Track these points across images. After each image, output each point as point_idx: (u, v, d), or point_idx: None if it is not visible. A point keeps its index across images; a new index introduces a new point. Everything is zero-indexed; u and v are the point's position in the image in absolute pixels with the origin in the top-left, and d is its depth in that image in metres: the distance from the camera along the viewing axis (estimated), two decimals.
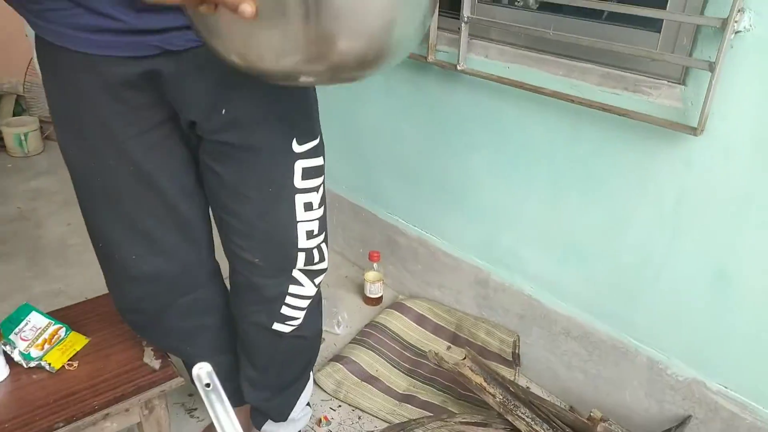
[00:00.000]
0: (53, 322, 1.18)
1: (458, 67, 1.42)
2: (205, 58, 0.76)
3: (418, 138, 1.65)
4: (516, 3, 1.40)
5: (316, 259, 1.04)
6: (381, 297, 1.86)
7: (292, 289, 1.06)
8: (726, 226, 1.11)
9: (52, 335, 1.17)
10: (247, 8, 0.50)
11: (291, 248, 1.01)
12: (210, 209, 1.04)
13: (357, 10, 0.55)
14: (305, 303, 1.09)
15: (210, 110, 0.85)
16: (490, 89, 1.40)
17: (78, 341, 1.19)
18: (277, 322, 1.08)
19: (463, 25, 1.38)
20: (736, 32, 0.97)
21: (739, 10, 0.95)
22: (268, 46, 0.57)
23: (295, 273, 1.04)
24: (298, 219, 0.98)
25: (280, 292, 1.05)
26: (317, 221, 1.01)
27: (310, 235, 1.01)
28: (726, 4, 0.97)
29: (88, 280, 1.93)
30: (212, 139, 0.89)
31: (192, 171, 0.97)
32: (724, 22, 0.96)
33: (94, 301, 1.34)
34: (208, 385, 0.64)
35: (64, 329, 1.19)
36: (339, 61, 0.58)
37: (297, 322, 1.10)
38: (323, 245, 1.06)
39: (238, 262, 1.04)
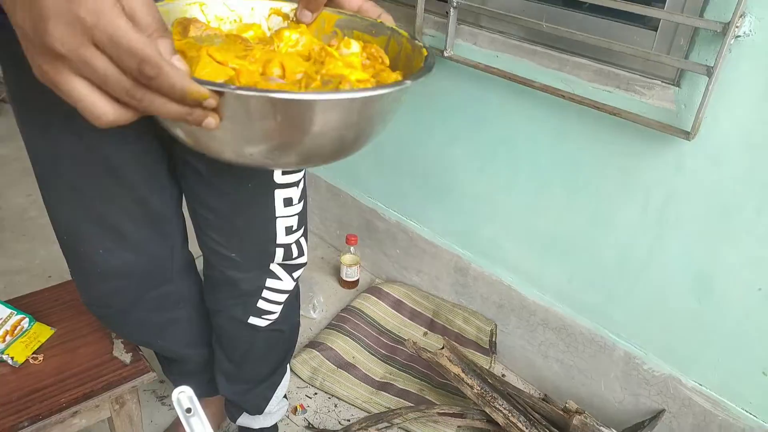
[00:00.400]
0: (15, 312, 1.12)
1: (445, 54, 1.37)
2: None
3: (400, 124, 1.60)
4: None
5: (295, 254, 1.01)
6: (357, 280, 1.84)
7: (270, 283, 1.02)
8: (710, 231, 1.11)
9: (15, 326, 1.11)
10: (212, 122, 0.44)
11: (269, 244, 0.97)
12: (185, 201, 0.99)
13: (329, 124, 0.49)
14: (283, 297, 1.05)
15: None
16: (478, 78, 1.36)
17: (42, 332, 1.13)
18: (254, 316, 1.05)
19: (451, 10, 1.32)
20: (736, 37, 0.95)
21: (740, 15, 0.92)
22: (229, 146, 0.50)
23: (273, 267, 1.01)
24: (277, 215, 0.94)
25: (257, 286, 1.02)
26: (296, 216, 0.97)
27: (289, 230, 0.97)
28: (727, 7, 0.95)
29: (52, 256, 1.85)
30: None
31: (165, 163, 0.91)
32: (725, 27, 0.94)
33: (58, 288, 1.27)
34: (189, 410, 0.61)
35: (27, 320, 1.13)
36: (308, 157, 0.54)
37: (274, 317, 1.07)
38: (302, 239, 1.02)
39: (213, 257, 1.00)
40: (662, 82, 1.09)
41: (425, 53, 0.58)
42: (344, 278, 1.82)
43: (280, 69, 0.52)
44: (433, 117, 1.51)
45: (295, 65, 0.53)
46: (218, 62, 0.49)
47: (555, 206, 1.34)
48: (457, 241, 1.61)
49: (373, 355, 1.58)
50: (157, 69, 0.39)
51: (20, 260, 1.84)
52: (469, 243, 1.58)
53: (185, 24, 0.57)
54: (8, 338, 1.09)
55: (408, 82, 0.50)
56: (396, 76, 0.58)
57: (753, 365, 1.13)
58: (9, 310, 1.11)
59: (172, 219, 0.98)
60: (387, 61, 0.60)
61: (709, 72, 0.97)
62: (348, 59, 0.56)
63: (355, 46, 0.59)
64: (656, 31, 1.08)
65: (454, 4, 1.32)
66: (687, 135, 1.03)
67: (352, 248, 1.80)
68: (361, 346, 1.59)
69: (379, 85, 0.54)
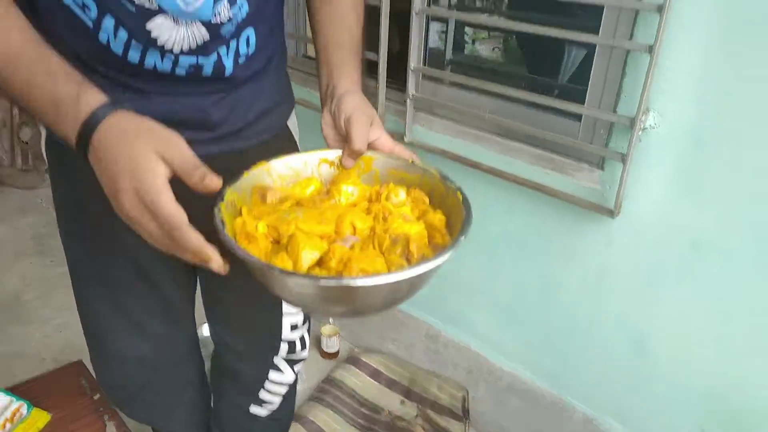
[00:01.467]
0: (14, 399, 1.20)
1: (405, 139, 1.52)
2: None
3: None
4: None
5: (298, 348, 1.10)
6: (338, 351, 1.93)
7: (272, 375, 1.10)
8: (640, 297, 1.23)
9: (14, 413, 1.19)
10: (214, 266, 0.57)
11: (275, 339, 1.06)
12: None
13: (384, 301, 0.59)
14: (284, 389, 1.14)
15: (211, 218, 0.89)
16: (434, 159, 1.50)
17: (40, 418, 1.20)
18: (255, 404, 1.13)
19: (408, 101, 1.48)
20: (644, 129, 1.10)
21: (644, 111, 1.08)
22: (296, 302, 0.61)
23: (277, 360, 1.09)
24: (283, 312, 1.04)
25: (260, 378, 1.10)
26: (302, 314, 1.06)
27: (294, 327, 1.06)
28: (633, 103, 1.10)
29: (46, 339, 1.92)
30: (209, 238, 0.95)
31: (189, 266, 1.00)
32: (632, 120, 1.09)
33: (55, 373, 1.35)
34: None
35: (25, 406, 1.20)
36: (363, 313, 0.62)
37: (273, 407, 1.15)
38: (305, 334, 1.11)
39: (221, 346, 1.10)
40: (589, 165, 1.24)
41: (460, 197, 0.65)
42: (325, 349, 1.91)
43: (351, 228, 0.63)
44: None
45: (363, 223, 0.64)
46: (306, 233, 0.60)
47: (507, 276, 1.46)
48: (427, 310, 1.72)
49: (353, 426, 1.65)
50: (179, 232, 0.58)
51: (15, 344, 1.91)
52: (439, 312, 1.69)
53: (262, 192, 0.67)
54: (8, 425, 1.16)
55: (462, 238, 0.60)
56: (440, 216, 0.66)
57: (692, 423, 1.23)
58: (8, 398, 1.19)
59: (188, 311, 1.08)
60: (428, 201, 0.68)
61: (623, 159, 1.12)
62: (401, 210, 0.65)
63: (402, 194, 0.68)
64: (581, 122, 1.24)
65: (410, 96, 1.48)
66: (611, 213, 1.16)
67: (331, 320, 1.90)
68: (342, 418, 1.67)
69: (439, 252, 0.61)
